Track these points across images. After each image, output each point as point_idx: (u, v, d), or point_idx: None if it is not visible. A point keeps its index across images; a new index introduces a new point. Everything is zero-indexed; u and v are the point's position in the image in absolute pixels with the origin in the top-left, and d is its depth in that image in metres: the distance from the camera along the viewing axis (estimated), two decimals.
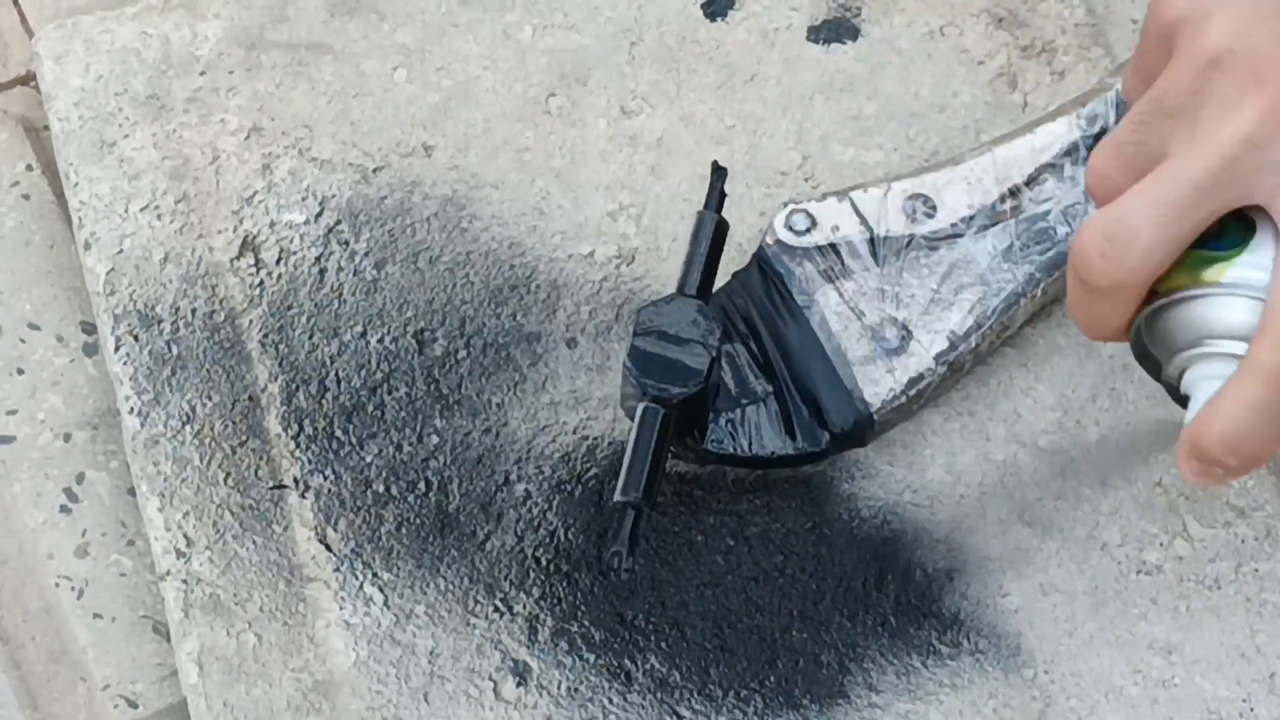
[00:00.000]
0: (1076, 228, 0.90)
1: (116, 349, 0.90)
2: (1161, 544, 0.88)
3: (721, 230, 0.88)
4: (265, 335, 0.90)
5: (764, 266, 0.89)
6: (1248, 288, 0.72)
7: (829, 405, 0.86)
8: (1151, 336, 0.74)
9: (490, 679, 0.84)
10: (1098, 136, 0.90)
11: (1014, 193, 0.90)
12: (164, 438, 0.88)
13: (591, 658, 0.85)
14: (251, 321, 0.91)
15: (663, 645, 0.85)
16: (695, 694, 0.84)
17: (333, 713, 0.84)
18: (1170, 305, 0.73)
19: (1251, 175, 0.70)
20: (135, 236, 0.92)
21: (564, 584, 0.86)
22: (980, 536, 0.88)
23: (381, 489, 0.88)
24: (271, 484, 0.88)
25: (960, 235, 0.89)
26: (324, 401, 0.89)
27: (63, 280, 0.94)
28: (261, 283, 0.91)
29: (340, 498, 0.87)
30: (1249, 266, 0.72)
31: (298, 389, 0.89)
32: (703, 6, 0.97)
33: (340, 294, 0.91)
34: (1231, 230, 0.72)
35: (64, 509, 0.90)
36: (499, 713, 0.84)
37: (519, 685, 0.84)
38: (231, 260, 0.92)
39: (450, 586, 0.86)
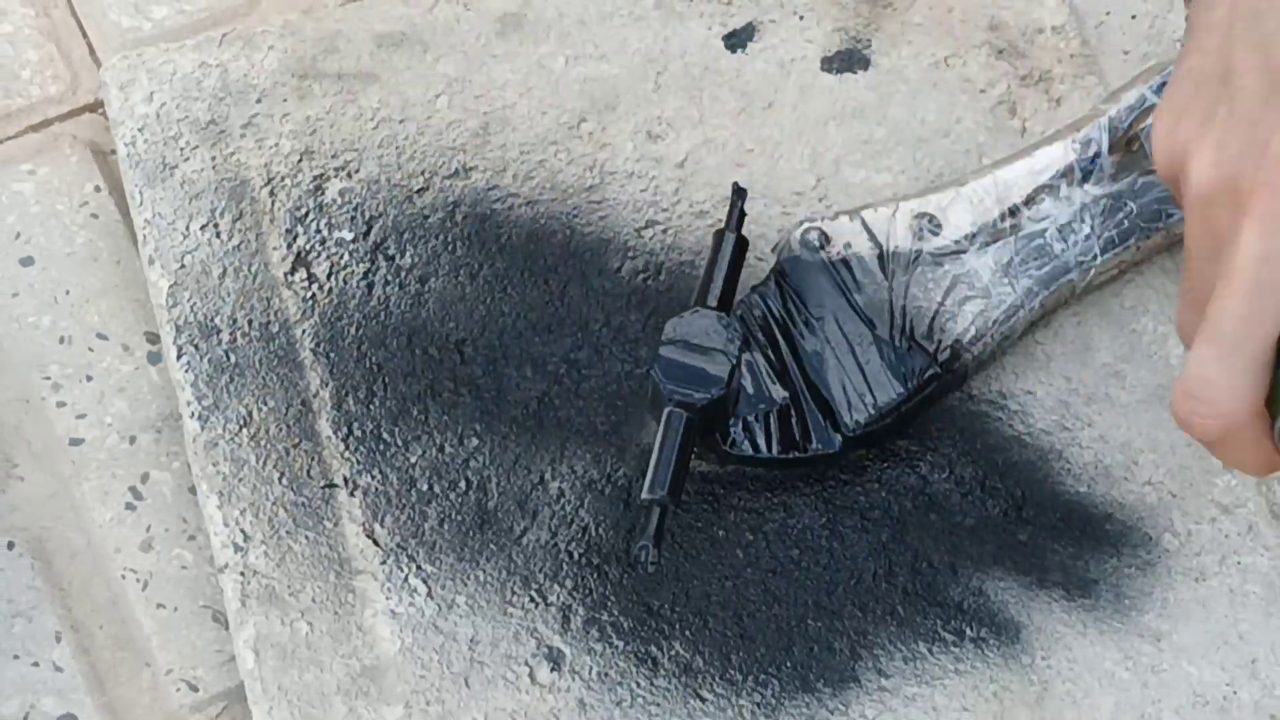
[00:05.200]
0: (1070, 245, 0.91)
1: (178, 357, 0.91)
2: (1151, 538, 0.89)
3: (741, 247, 0.89)
4: (317, 345, 0.91)
5: (781, 280, 0.90)
6: None
7: (841, 410, 0.88)
8: None
9: (526, 664, 0.85)
10: (1092, 159, 0.91)
11: (1013, 212, 0.91)
12: (223, 440, 0.89)
13: (620, 645, 0.86)
14: (304, 332, 0.91)
15: (687, 633, 0.86)
16: (717, 678, 0.85)
17: (380, 696, 0.85)
18: None
19: None
20: (196, 253, 0.93)
21: (595, 576, 0.87)
22: (982, 532, 0.88)
23: (425, 488, 0.88)
24: (323, 483, 0.89)
25: (963, 251, 0.90)
26: (372, 406, 0.90)
27: (128, 293, 0.94)
28: (314, 296, 0.92)
29: (387, 496, 0.88)
30: None
31: (347, 395, 0.90)
32: (724, 39, 0.98)
33: (387, 307, 0.92)
34: None
35: (130, 506, 0.90)
36: (534, 696, 0.85)
37: (553, 670, 0.85)
38: (286, 275, 0.93)
39: (489, 578, 0.87)
